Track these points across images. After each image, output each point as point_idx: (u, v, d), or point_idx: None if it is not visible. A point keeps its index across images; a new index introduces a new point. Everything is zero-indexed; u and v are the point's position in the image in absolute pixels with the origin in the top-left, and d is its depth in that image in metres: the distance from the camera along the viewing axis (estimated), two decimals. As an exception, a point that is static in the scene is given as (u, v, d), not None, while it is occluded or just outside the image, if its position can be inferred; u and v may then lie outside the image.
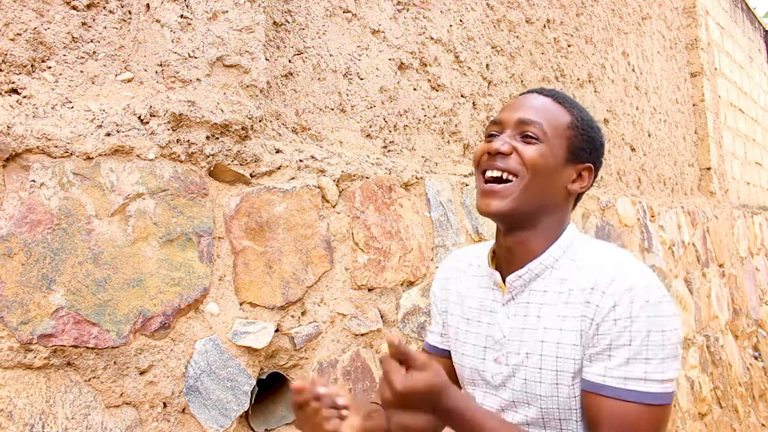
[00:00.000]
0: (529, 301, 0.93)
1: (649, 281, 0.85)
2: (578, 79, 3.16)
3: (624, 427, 0.81)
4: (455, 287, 1.07)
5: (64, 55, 1.26)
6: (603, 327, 0.84)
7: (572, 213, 1.02)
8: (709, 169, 4.85)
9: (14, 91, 1.17)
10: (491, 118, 0.93)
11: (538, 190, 0.92)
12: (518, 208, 0.91)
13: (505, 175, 0.92)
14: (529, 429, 0.92)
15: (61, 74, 1.25)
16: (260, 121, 1.47)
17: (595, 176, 1.01)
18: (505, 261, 0.98)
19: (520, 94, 1.01)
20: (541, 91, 0.99)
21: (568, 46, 3.09)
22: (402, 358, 0.77)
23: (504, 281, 0.97)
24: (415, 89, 2.09)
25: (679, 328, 0.86)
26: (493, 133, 0.97)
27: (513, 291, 0.95)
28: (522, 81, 2.68)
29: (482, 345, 0.98)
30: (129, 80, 1.32)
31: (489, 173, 0.93)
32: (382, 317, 1.71)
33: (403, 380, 0.76)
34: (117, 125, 1.21)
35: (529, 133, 0.92)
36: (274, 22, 1.64)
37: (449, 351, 1.07)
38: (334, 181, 1.64)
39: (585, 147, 0.97)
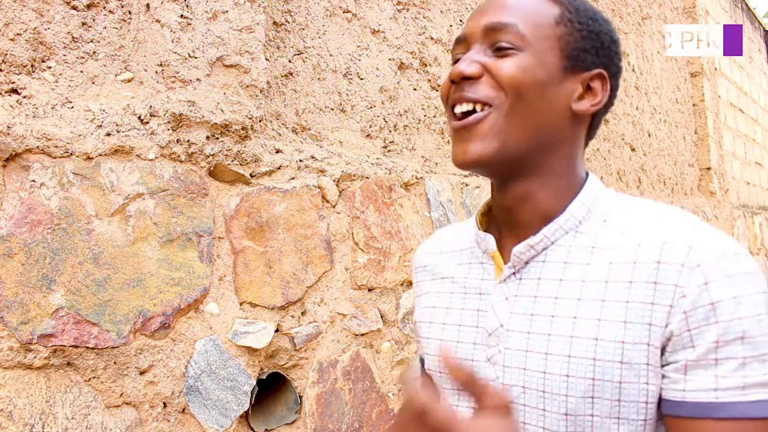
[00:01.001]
0: (541, 277, 0.67)
1: (736, 245, 0.60)
2: (578, 79, 3.16)
3: None
4: (428, 284, 0.81)
5: (64, 55, 1.26)
6: (696, 316, 0.56)
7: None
8: (709, 169, 4.85)
9: (14, 91, 1.17)
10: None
11: (529, 117, 0.66)
12: (505, 149, 0.65)
13: (478, 108, 0.66)
14: None
15: (61, 74, 1.25)
16: (260, 121, 1.47)
17: (614, 87, 0.72)
18: (504, 224, 0.73)
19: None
20: None
21: (568, 46, 3.09)
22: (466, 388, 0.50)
23: (501, 250, 0.72)
24: (415, 89, 2.09)
25: None
26: (460, 55, 0.71)
27: (517, 264, 0.69)
28: (522, 81, 2.68)
29: (470, 341, 0.71)
30: (129, 80, 1.32)
31: (458, 108, 0.68)
32: (382, 317, 1.71)
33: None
34: (117, 125, 1.21)
35: (503, 44, 0.66)
36: (274, 22, 1.64)
37: None
38: (334, 181, 1.64)
39: (587, 46, 0.68)
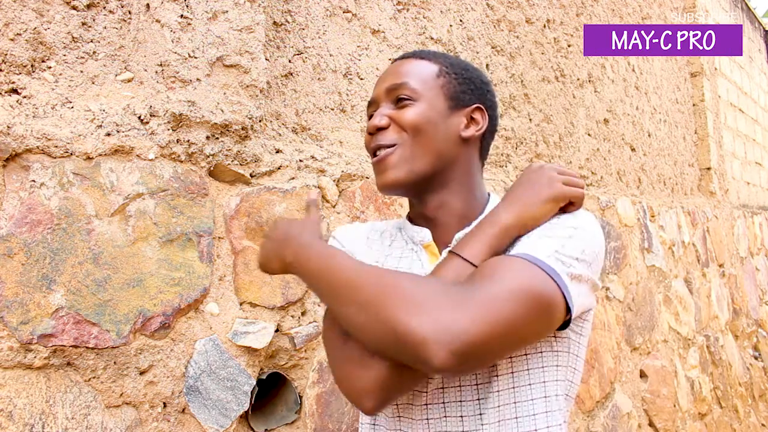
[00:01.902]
0: None
1: (586, 217, 0.86)
2: (578, 79, 3.16)
3: (485, 277, 0.72)
4: (372, 255, 0.97)
5: (64, 55, 1.26)
6: (544, 225, 0.83)
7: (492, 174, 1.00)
8: (709, 169, 4.85)
9: (14, 91, 1.17)
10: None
11: (428, 147, 0.88)
12: (414, 171, 0.88)
13: (391, 149, 0.88)
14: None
15: (61, 74, 1.25)
16: (260, 121, 1.47)
17: (492, 116, 0.96)
18: (427, 225, 0.93)
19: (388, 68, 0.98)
20: (404, 56, 0.96)
21: (568, 46, 3.09)
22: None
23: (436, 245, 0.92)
24: (415, 89, 2.09)
25: (601, 246, 0.84)
26: (372, 113, 0.94)
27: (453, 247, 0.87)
28: (522, 81, 2.68)
29: None
30: (129, 80, 1.32)
31: (377, 154, 0.90)
32: (382, 317, 1.71)
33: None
34: (117, 125, 1.21)
35: (401, 96, 0.89)
36: (274, 22, 1.64)
37: None
38: (334, 181, 1.64)
39: (464, 89, 0.92)
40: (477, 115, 0.93)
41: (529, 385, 0.80)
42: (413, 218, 0.97)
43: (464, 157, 0.92)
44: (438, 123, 0.89)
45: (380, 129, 0.89)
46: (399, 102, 0.89)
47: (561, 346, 0.83)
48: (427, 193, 0.91)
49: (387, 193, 0.91)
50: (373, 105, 0.94)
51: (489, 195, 0.97)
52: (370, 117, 0.94)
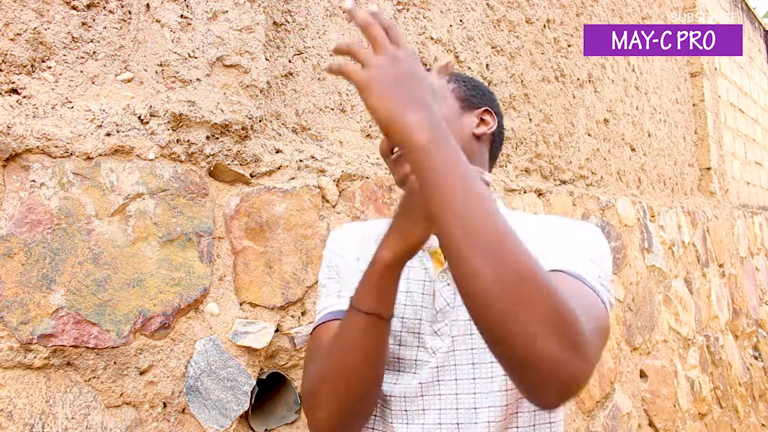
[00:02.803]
0: None
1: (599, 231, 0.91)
2: (578, 79, 3.16)
3: (577, 298, 0.71)
4: (364, 255, 0.93)
5: (64, 55, 1.26)
6: (567, 238, 0.86)
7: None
8: (709, 169, 4.85)
9: (14, 91, 1.17)
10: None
11: None
12: None
13: None
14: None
15: (61, 74, 1.25)
16: (260, 121, 1.47)
17: (500, 121, 1.00)
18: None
19: None
20: None
21: (568, 46, 3.09)
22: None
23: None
24: (415, 89, 2.09)
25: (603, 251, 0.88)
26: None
27: None
28: (522, 81, 2.68)
29: (415, 318, 0.87)
30: (129, 80, 1.32)
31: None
32: (382, 317, 1.71)
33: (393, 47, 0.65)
34: (117, 125, 1.21)
35: None
36: (274, 22, 1.64)
37: None
38: (334, 181, 1.64)
39: (473, 94, 0.99)
40: (486, 117, 0.97)
41: None
42: None
43: (477, 155, 0.95)
44: (452, 121, 0.92)
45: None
46: None
47: None
48: None
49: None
50: None
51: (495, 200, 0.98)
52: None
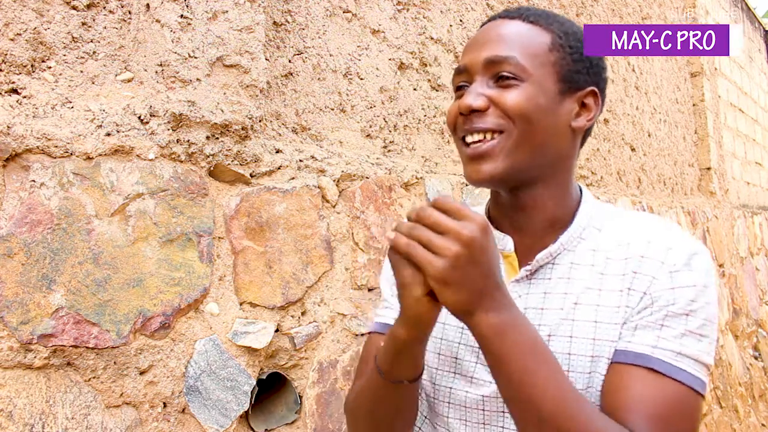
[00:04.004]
0: (551, 277, 0.75)
1: (700, 246, 0.72)
2: (578, 79, 3.16)
3: (666, 411, 0.63)
4: None
5: (64, 55, 1.26)
6: (661, 298, 0.68)
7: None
8: (709, 169, 4.84)
9: (14, 91, 1.17)
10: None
11: (535, 138, 0.73)
12: (516, 166, 0.73)
13: (488, 136, 0.73)
14: None
15: (61, 74, 1.25)
16: (260, 121, 1.47)
17: (603, 101, 0.80)
18: (510, 227, 0.80)
19: (483, 24, 0.80)
20: (506, 14, 0.78)
21: (568, 46, 3.09)
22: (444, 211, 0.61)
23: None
24: (415, 89, 2.09)
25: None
26: (462, 84, 0.78)
27: (534, 267, 0.76)
28: (522, 81, 2.68)
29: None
30: (129, 80, 1.32)
31: (469, 138, 0.75)
32: (382, 317, 1.71)
33: (462, 227, 0.59)
34: (117, 125, 1.21)
35: (505, 74, 0.72)
36: (274, 22, 1.64)
37: None
38: (334, 181, 1.64)
39: (580, 68, 0.76)
40: (590, 100, 0.77)
41: None
42: (494, 217, 0.83)
43: (569, 151, 0.78)
44: (548, 110, 0.73)
45: (475, 111, 0.73)
46: (501, 80, 0.73)
47: None
48: (521, 189, 0.77)
49: (479, 185, 0.76)
50: (463, 74, 0.77)
51: (581, 192, 0.82)
52: (459, 88, 0.78)
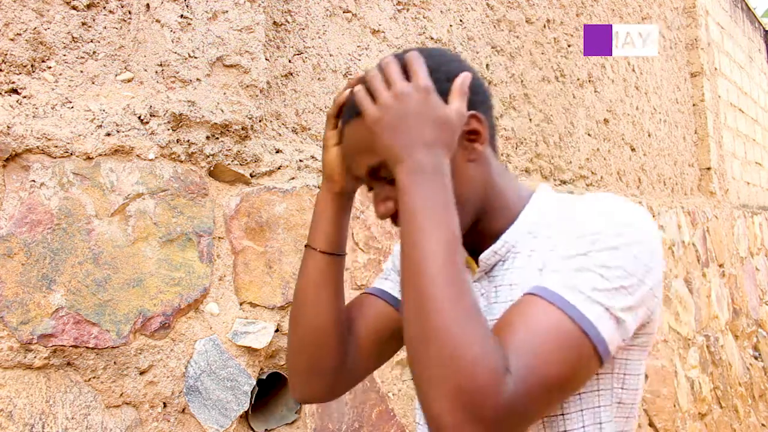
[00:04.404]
0: (502, 273, 0.80)
1: (634, 210, 0.72)
2: (578, 79, 3.16)
3: (534, 333, 0.63)
4: None
5: (64, 55, 1.26)
6: (563, 245, 0.70)
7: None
8: (709, 169, 4.85)
9: (14, 91, 1.17)
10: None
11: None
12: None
13: None
14: None
15: (61, 74, 1.25)
16: (260, 121, 1.47)
17: (489, 113, 0.81)
18: (468, 245, 0.83)
19: (344, 122, 0.81)
20: (357, 112, 0.76)
21: (568, 46, 3.09)
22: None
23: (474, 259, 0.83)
24: (415, 89, 2.09)
25: (653, 251, 0.69)
26: (368, 183, 0.81)
27: (485, 267, 0.81)
28: (522, 81, 2.68)
29: None
30: (129, 80, 1.32)
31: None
32: (382, 317, 1.71)
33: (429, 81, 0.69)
34: (117, 125, 1.21)
35: (388, 177, 0.75)
36: (274, 22, 1.64)
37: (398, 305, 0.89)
38: (334, 181, 1.64)
39: (450, 69, 0.77)
40: (475, 126, 0.77)
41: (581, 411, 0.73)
42: None
43: (485, 177, 0.80)
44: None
45: (391, 215, 0.77)
46: (391, 180, 0.75)
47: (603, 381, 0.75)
48: (465, 231, 0.80)
49: None
50: (361, 180, 0.83)
51: (528, 197, 0.84)
52: (369, 188, 0.82)
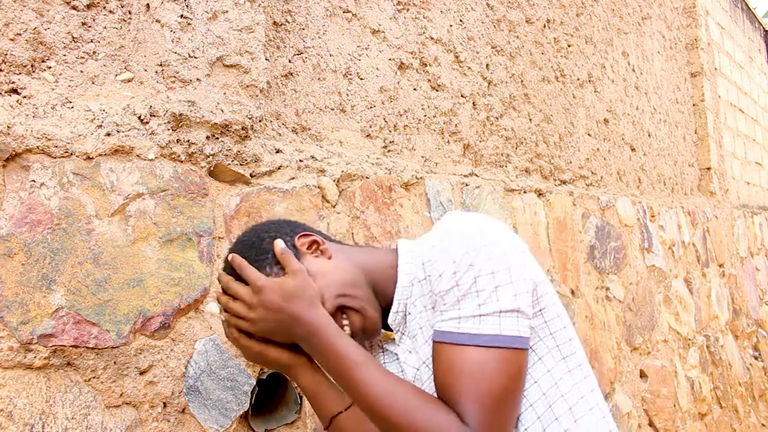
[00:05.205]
0: (409, 326, 0.92)
1: (464, 225, 0.83)
2: (578, 79, 3.16)
3: (458, 375, 0.75)
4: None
5: (64, 55, 1.26)
6: (437, 287, 0.82)
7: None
8: (709, 169, 4.84)
9: (14, 91, 1.17)
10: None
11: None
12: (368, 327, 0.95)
13: None
14: None
15: (61, 74, 1.25)
16: (260, 121, 1.47)
17: (301, 228, 1.00)
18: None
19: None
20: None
21: (568, 46, 3.09)
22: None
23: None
24: (415, 89, 2.09)
25: (509, 252, 0.80)
26: None
27: (398, 328, 0.94)
28: (522, 81, 2.68)
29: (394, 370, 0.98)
30: (129, 80, 1.32)
31: None
32: (382, 317, 1.71)
33: (262, 278, 0.87)
34: (117, 125, 1.21)
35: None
36: (274, 22, 1.64)
37: None
38: (334, 181, 1.64)
39: (265, 261, 0.94)
40: (306, 241, 0.95)
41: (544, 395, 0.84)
42: None
43: (349, 260, 0.95)
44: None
45: None
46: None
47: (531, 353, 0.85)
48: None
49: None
50: None
51: (396, 250, 0.98)
52: None
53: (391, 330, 0.95)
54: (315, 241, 0.95)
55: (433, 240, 0.87)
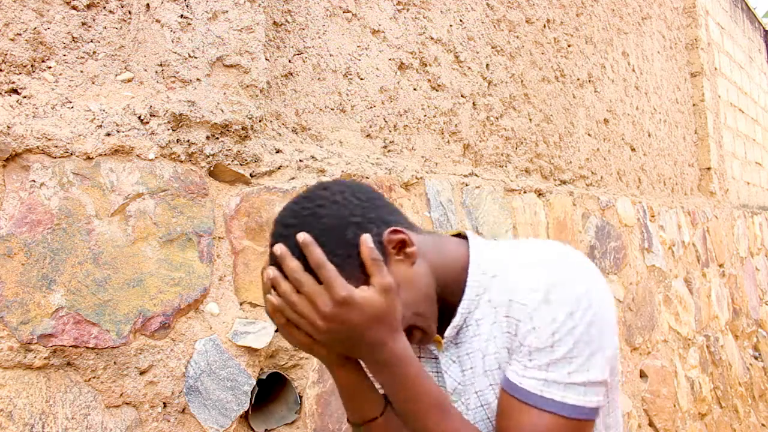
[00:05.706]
0: (465, 340, 0.87)
1: (569, 274, 0.78)
2: (578, 79, 3.16)
3: None
4: None
5: (64, 55, 1.26)
6: (526, 339, 0.77)
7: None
8: (709, 169, 4.84)
9: (14, 91, 1.17)
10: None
11: (409, 312, 0.84)
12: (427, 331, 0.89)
13: None
14: None
15: (61, 74, 1.25)
16: (260, 121, 1.47)
17: (399, 222, 0.83)
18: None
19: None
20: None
21: (568, 46, 3.09)
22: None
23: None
24: (415, 89, 2.09)
25: (607, 317, 0.77)
26: None
27: (447, 341, 0.89)
28: (522, 81, 2.68)
29: None
30: (129, 80, 1.32)
31: None
32: (382, 317, 1.71)
33: (347, 288, 0.72)
34: (117, 125, 1.21)
35: None
36: (274, 22, 1.64)
37: None
38: (334, 181, 1.64)
39: (350, 254, 0.76)
40: (397, 238, 0.80)
41: None
42: None
43: (427, 266, 0.84)
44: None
45: None
46: None
47: None
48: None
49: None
50: None
51: (466, 263, 0.88)
52: None
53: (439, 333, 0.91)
54: (404, 241, 0.80)
55: (526, 276, 0.80)
